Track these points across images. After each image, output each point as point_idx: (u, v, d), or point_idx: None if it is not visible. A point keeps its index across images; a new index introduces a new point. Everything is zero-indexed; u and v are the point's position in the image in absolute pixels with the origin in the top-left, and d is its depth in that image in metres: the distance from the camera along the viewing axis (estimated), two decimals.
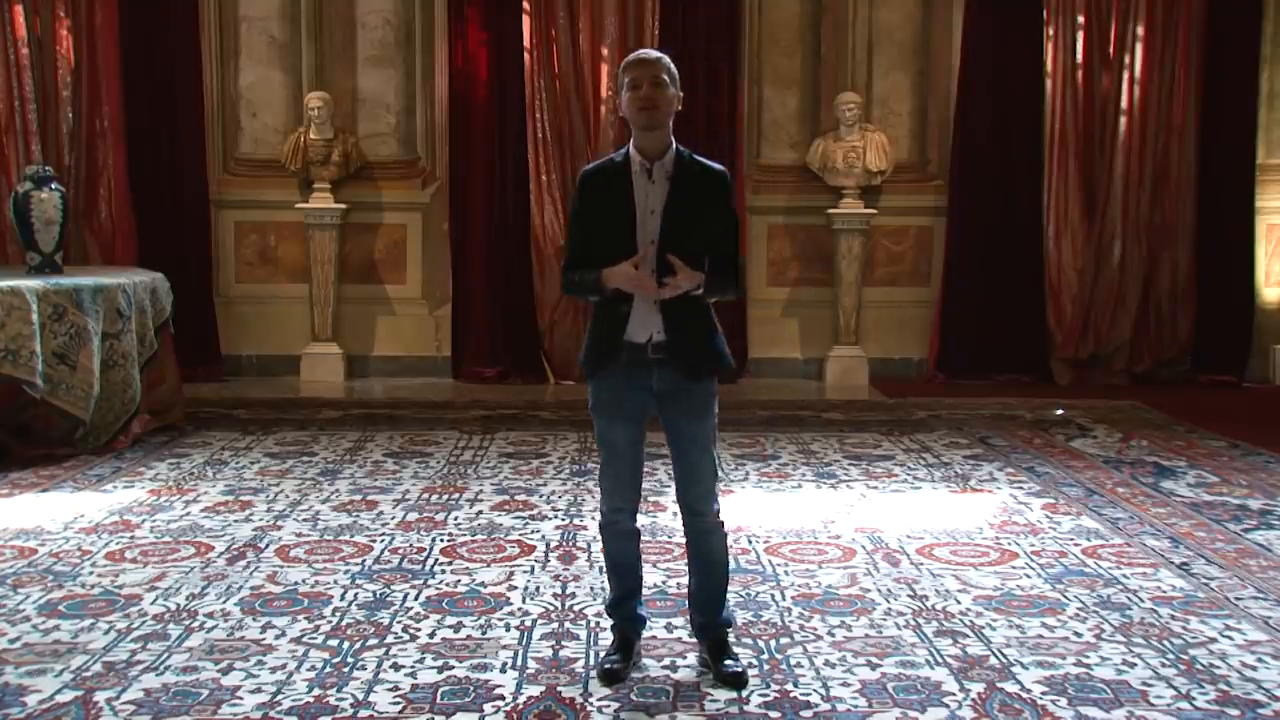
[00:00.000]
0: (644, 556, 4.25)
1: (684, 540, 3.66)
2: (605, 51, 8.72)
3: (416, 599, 4.14)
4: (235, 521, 5.11)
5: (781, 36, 9.12)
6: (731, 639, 3.62)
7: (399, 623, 3.90)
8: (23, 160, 8.37)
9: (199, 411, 7.44)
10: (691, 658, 3.62)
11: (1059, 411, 7.76)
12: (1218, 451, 6.55)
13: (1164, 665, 3.58)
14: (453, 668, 3.54)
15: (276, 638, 3.77)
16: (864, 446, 6.68)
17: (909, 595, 4.20)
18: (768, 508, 5.37)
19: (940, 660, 3.61)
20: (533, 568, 4.50)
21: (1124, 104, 8.96)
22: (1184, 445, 6.73)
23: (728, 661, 3.48)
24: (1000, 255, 8.94)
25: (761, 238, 9.17)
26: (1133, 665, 3.59)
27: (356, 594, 4.19)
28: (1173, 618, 3.99)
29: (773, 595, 4.20)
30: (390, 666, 3.54)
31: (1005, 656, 3.64)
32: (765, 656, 3.64)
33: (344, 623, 3.91)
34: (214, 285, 8.96)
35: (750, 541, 4.82)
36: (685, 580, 3.70)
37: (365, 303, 9.08)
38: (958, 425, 7.29)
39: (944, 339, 9.04)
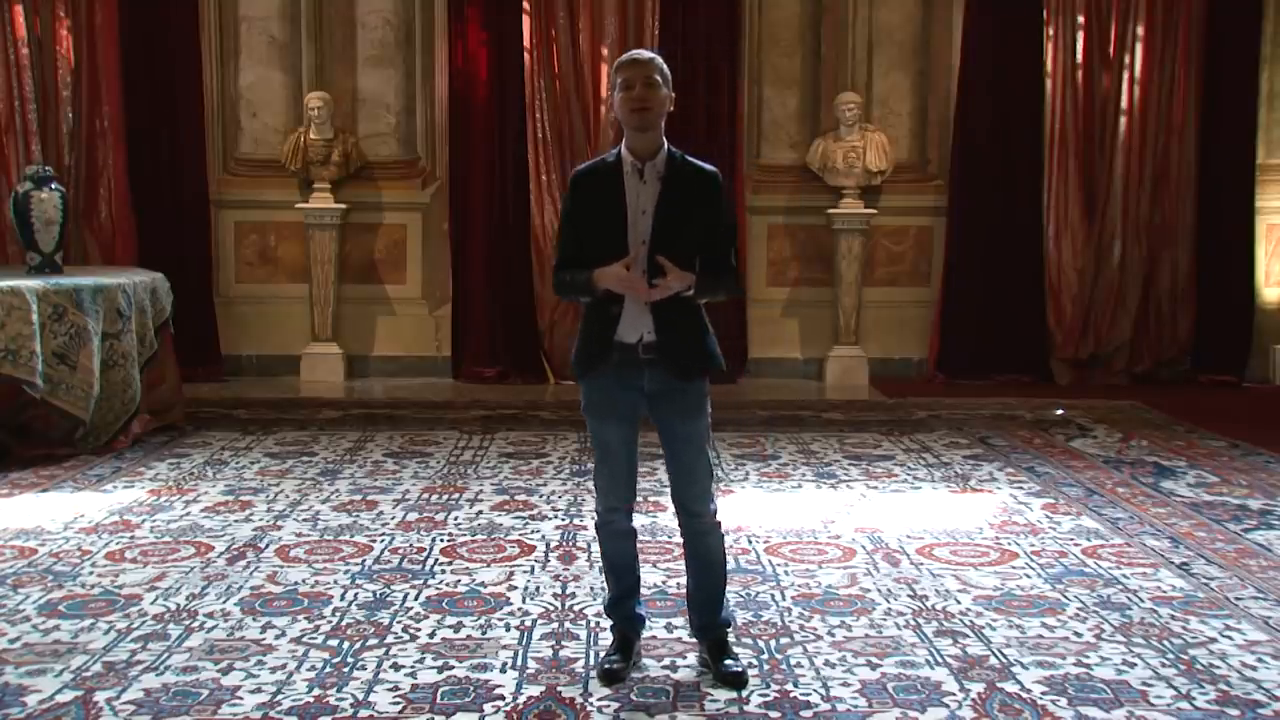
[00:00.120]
0: (644, 556, 4.25)
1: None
2: (605, 51, 8.72)
3: (416, 599, 4.14)
4: (235, 521, 5.11)
5: (781, 36, 9.12)
6: (731, 639, 3.62)
7: (399, 623, 3.90)
8: (23, 160, 8.37)
9: (199, 411, 7.44)
10: (691, 658, 3.62)
11: (1059, 411, 7.76)
12: (1218, 451, 6.55)
13: (1164, 665, 3.58)
14: (453, 668, 3.54)
15: (276, 638, 3.77)
16: (864, 446, 6.68)
17: (909, 595, 4.20)
18: (768, 508, 5.37)
19: (940, 660, 3.61)
20: (533, 568, 4.50)
21: (1124, 104, 8.96)
22: (1184, 445, 6.73)
23: (727, 661, 3.48)
24: (1000, 255, 8.94)
25: (761, 238, 9.18)
26: (1133, 665, 3.59)
27: (356, 594, 4.19)
28: (1173, 618, 3.99)
29: (773, 595, 4.20)
30: (390, 666, 3.54)
31: (1005, 656, 3.64)
32: (765, 656, 3.64)
33: (344, 623, 3.91)
34: (214, 285, 8.96)
35: (750, 541, 4.82)
36: (685, 580, 3.70)
37: (365, 303, 9.08)
38: (958, 425, 7.29)
39: (944, 339, 9.04)
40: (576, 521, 5.10)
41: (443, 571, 4.45)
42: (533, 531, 4.98)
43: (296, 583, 4.31)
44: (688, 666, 3.56)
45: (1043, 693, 3.39)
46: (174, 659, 3.59)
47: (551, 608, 4.06)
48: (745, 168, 8.96)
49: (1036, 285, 9.05)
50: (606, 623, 3.72)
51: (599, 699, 3.34)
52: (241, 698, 3.32)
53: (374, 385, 8.84)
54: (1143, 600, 4.16)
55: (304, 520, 5.14)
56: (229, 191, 9.05)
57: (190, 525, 5.05)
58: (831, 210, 8.89)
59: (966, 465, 6.23)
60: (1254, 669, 3.56)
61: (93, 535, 4.88)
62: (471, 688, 3.40)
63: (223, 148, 9.05)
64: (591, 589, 4.21)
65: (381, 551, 4.69)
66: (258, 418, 7.37)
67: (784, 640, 3.77)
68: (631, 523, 3.61)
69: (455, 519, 5.17)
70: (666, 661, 3.61)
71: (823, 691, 3.38)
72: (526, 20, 8.79)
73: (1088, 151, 8.99)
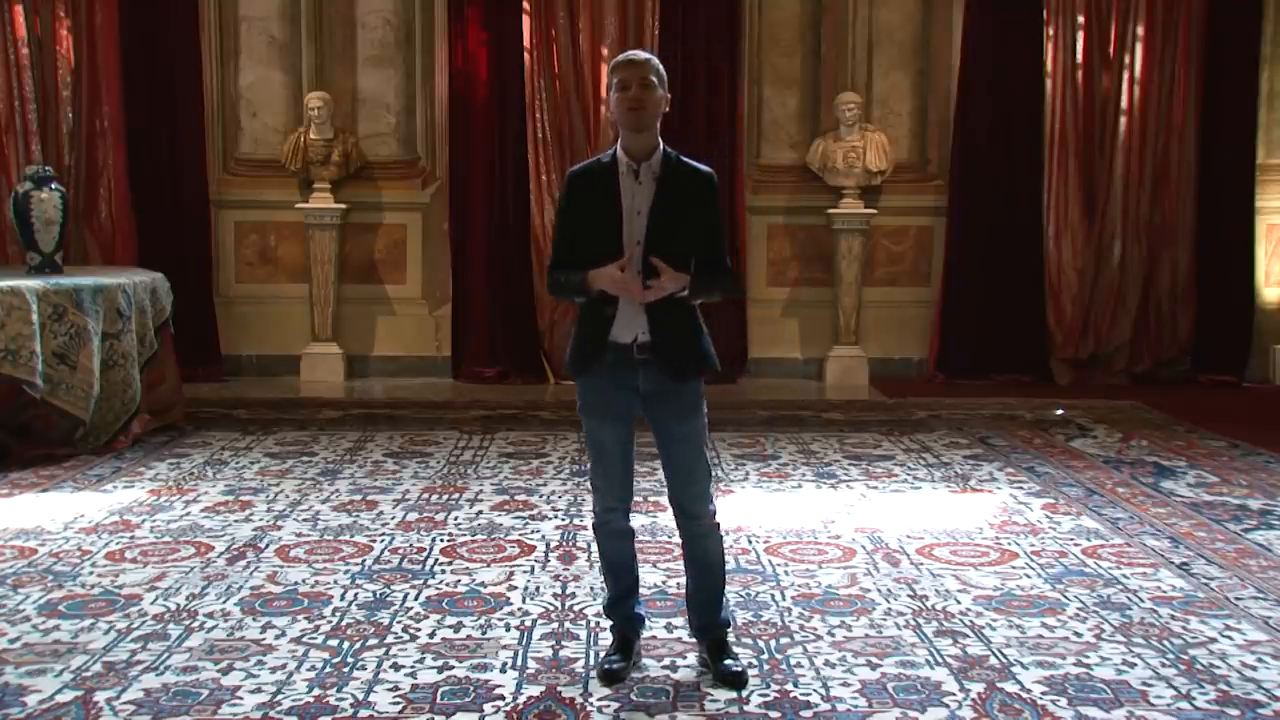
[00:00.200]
0: (644, 556, 4.26)
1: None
2: (605, 51, 8.71)
3: (416, 599, 4.14)
4: (235, 521, 5.11)
5: (781, 36, 9.12)
6: (731, 639, 3.62)
7: (399, 623, 3.90)
8: (23, 160, 8.37)
9: (199, 411, 7.44)
10: (691, 658, 3.62)
11: (1059, 411, 7.76)
12: (1218, 451, 6.55)
13: (1164, 665, 3.58)
14: (453, 668, 3.54)
15: (276, 638, 3.77)
16: (864, 446, 6.68)
17: (909, 595, 4.20)
18: (768, 508, 5.37)
19: (940, 660, 3.61)
20: (533, 568, 4.50)
21: (1124, 104, 8.96)
22: (1184, 445, 6.73)
23: (727, 661, 3.48)
24: (1000, 255, 8.94)
25: (761, 238, 9.18)
26: (1133, 665, 3.59)
27: (356, 594, 4.19)
28: (1173, 618, 3.99)
29: (773, 595, 4.19)
30: (390, 666, 3.54)
31: (1005, 656, 3.64)
32: (765, 656, 3.64)
33: (344, 623, 3.91)
34: (214, 285, 8.96)
35: (750, 541, 4.82)
36: (684, 580, 3.70)
37: (365, 303, 9.08)
38: (958, 425, 7.29)
39: (944, 339, 9.04)
40: (576, 521, 5.10)
41: (443, 571, 4.45)
42: (533, 531, 4.98)
43: (296, 583, 4.31)
44: (688, 666, 3.56)
45: (1043, 693, 3.39)
46: (174, 659, 3.59)
47: (551, 608, 4.06)
48: (745, 168, 8.96)
49: (1036, 285, 9.05)
50: (606, 623, 3.72)
51: (599, 699, 3.34)
52: (241, 698, 3.32)
53: (374, 385, 8.84)
54: (1143, 600, 4.16)
55: (304, 520, 5.14)
56: (229, 191, 9.05)
57: (190, 525, 5.05)
58: (831, 210, 8.89)
59: (966, 465, 6.23)
60: (1254, 669, 3.56)
61: (93, 535, 4.88)
62: (471, 688, 3.40)
63: (223, 148, 9.05)
64: (591, 589, 4.21)
65: (381, 551, 4.69)
66: (258, 418, 7.37)
67: (784, 640, 3.77)
68: (629, 522, 3.61)
69: (455, 519, 5.17)
70: (666, 661, 3.61)
71: (823, 691, 3.38)
72: (526, 20, 8.79)
73: (1088, 151, 8.99)
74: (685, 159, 3.46)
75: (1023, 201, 8.99)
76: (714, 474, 5.68)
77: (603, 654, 3.59)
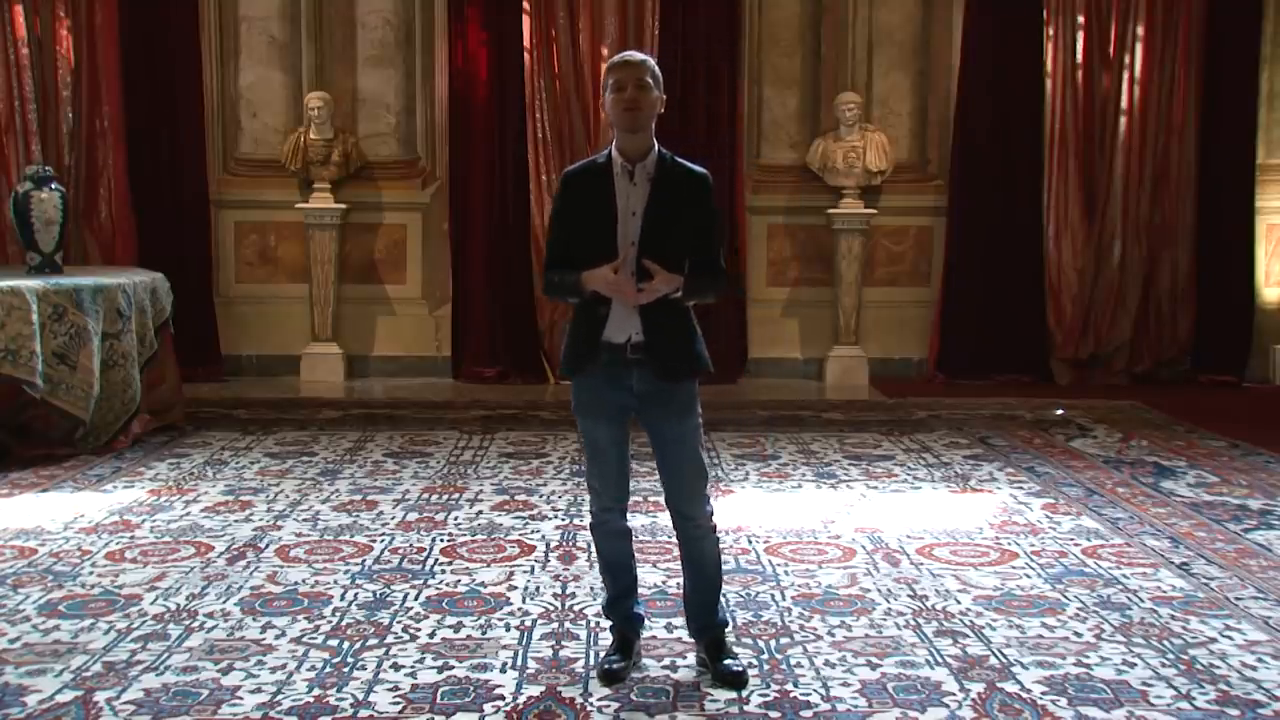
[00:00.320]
0: (644, 556, 4.26)
1: None
2: (605, 51, 8.70)
3: (416, 599, 4.14)
4: (235, 521, 5.11)
5: (781, 36, 9.12)
6: (731, 639, 3.62)
7: (399, 623, 3.90)
8: (23, 160, 8.37)
9: (199, 411, 7.44)
10: (691, 657, 3.61)
11: (1059, 411, 7.76)
12: (1218, 451, 6.55)
13: (1164, 665, 3.58)
14: (453, 668, 3.54)
15: (276, 638, 3.77)
16: (864, 446, 6.68)
17: (909, 595, 4.20)
18: (768, 508, 5.37)
19: (940, 660, 3.61)
20: (533, 568, 4.50)
21: (1124, 104, 8.96)
22: (1184, 445, 6.73)
23: (727, 661, 3.48)
24: (1000, 255, 8.94)
25: (761, 238, 9.18)
26: (1133, 665, 3.59)
27: (356, 594, 4.19)
28: (1173, 618, 3.99)
29: (773, 595, 4.19)
30: (390, 666, 3.54)
31: (1005, 656, 3.64)
32: (765, 656, 3.64)
33: (344, 623, 3.91)
34: (214, 285, 8.96)
35: (750, 541, 4.82)
36: (682, 580, 3.70)
37: (365, 303, 9.09)
38: (958, 425, 7.29)
39: (944, 339, 9.04)
40: (576, 521, 5.10)
41: (443, 571, 4.45)
42: (533, 531, 4.98)
43: (296, 583, 4.31)
44: (688, 666, 3.56)
45: (1043, 693, 3.39)
46: (174, 659, 3.59)
47: (551, 608, 4.06)
48: (745, 168, 8.96)
49: (1036, 285, 9.05)
50: (606, 623, 3.72)
51: (599, 699, 3.34)
52: (241, 698, 3.32)
53: (374, 385, 8.84)
54: (1143, 600, 4.16)
55: (304, 520, 5.14)
56: (229, 191, 9.05)
57: (190, 525, 5.05)
58: (831, 210, 8.89)
59: (966, 465, 6.23)
60: (1254, 669, 3.56)
61: (93, 535, 4.88)
62: (471, 688, 3.40)
63: (223, 148, 9.05)
64: (591, 589, 4.21)
65: (381, 551, 4.69)
66: (258, 418, 7.37)
67: (784, 640, 3.77)
68: (626, 522, 3.61)
69: (455, 519, 5.17)
70: (666, 661, 3.61)
71: (823, 691, 3.38)
72: (526, 20, 8.79)
73: (1088, 151, 8.99)
74: (680, 160, 3.46)
75: (1023, 201, 8.99)
76: (714, 474, 5.69)
77: (603, 654, 3.59)
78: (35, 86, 8.58)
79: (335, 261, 8.82)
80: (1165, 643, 3.76)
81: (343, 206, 8.81)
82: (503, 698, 3.33)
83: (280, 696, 3.33)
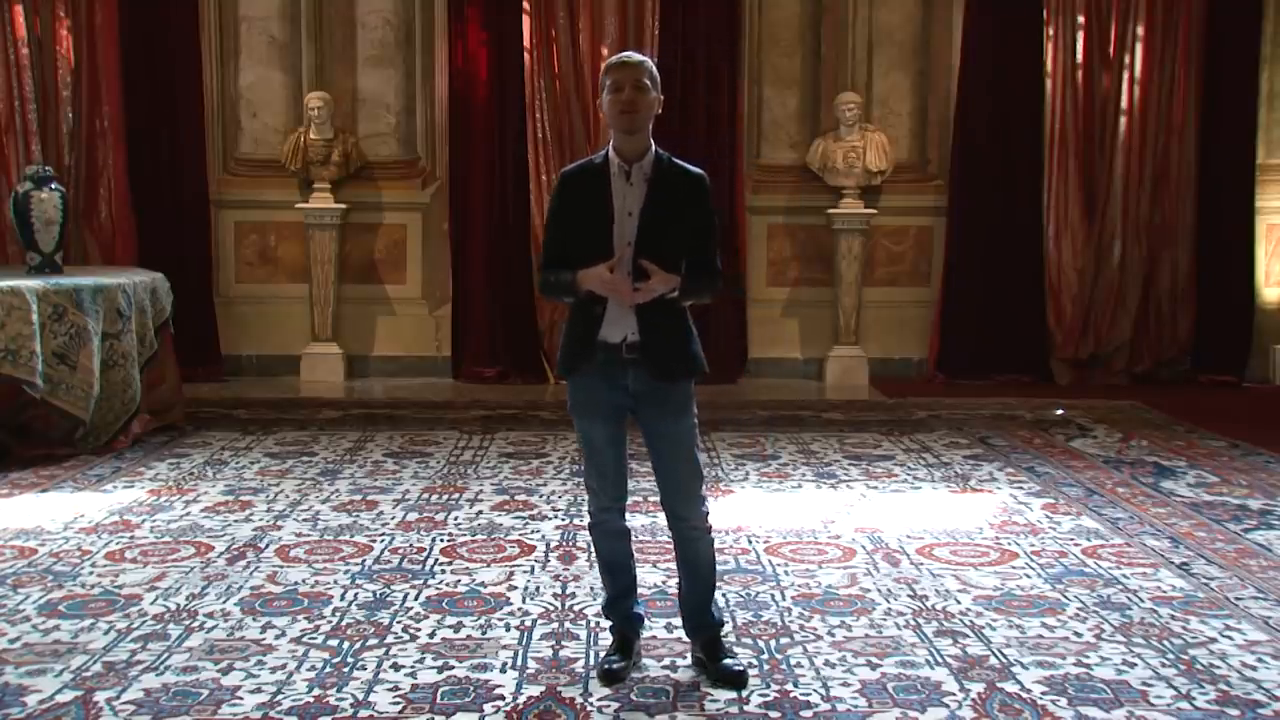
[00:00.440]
0: (644, 556, 4.26)
1: None
2: (605, 51, 8.70)
3: (416, 599, 4.14)
4: (235, 521, 5.11)
5: (781, 36, 9.12)
6: (730, 639, 3.61)
7: (399, 623, 3.90)
8: (23, 160, 8.37)
9: (199, 411, 7.44)
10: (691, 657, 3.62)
11: (1059, 411, 7.76)
12: (1218, 451, 6.55)
13: (1164, 665, 3.58)
14: (453, 668, 3.54)
15: (276, 638, 3.77)
16: (864, 446, 6.68)
17: (909, 595, 4.20)
18: (768, 508, 5.37)
19: (940, 660, 3.61)
20: (533, 568, 4.50)
21: (1124, 104, 8.96)
22: (1184, 445, 6.73)
23: (726, 660, 3.48)
24: (1000, 255, 8.94)
25: (761, 238, 9.18)
26: (1133, 665, 3.59)
27: (356, 594, 4.19)
28: (1173, 618, 3.99)
29: (773, 595, 4.19)
30: (390, 666, 3.54)
31: (1005, 656, 3.64)
32: (765, 656, 3.64)
33: (344, 623, 3.91)
34: (214, 285, 8.96)
35: (750, 541, 4.82)
36: (677, 580, 3.70)
37: (365, 303, 9.08)
38: (958, 425, 7.29)
39: (944, 339, 9.04)
40: (576, 521, 5.09)
41: (443, 571, 4.45)
42: (533, 531, 4.98)
43: (296, 583, 4.31)
44: (688, 666, 3.56)
45: (1043, 693, 3.39)
46: (174, 659, 3.59)
47: (551, 608, 4.06)
48: (745, 168, 8.96)
49: (1036, 285, 9.05)
50: (606, 623, 3.72)
51: (599, 699, 3.34)
52: (241, 698, 3.32)
53: (374, 385, 8.84)
54: (1143, 600, 4.16)
55: (304, 520, 5.14)
56: (229, 191, 9.05)
57: (190, 525, 5.05)
58: (831, 210, 8.89)
59: (966, 465, 6.23)
60: (1254, 669, 3.56)
61: (93, 535, 4.88)
62: (471, 688, 3.40)
63: (223, 148, 9.05)
64: (591, 589, 4.21)
65: (381, 551, 4.69)
66: (258, 418, 7.37)
67: (784, 640, 3.77)
68: (625, 522, 3.61)
69: (455, 519, 5.17)
70: (666, 661, 3.61)
71: (823, 691, 3.38)
72: (526, 20, 8.79)
73: (1088, 151, 8.99)
74: (677, 160, 3.47)
75: (1023, 201, 8.99)
76: (714, 474, 5.69)
77: (603, 654, 3.59)
78: (35, 86, 8.58)
79: (335, 261, 8.82)
80: (1165, 643, 3.76)
81: (343, 206, 8.81)
82: (503, 698, 3.33)
83: (280, 696, 3.33)
